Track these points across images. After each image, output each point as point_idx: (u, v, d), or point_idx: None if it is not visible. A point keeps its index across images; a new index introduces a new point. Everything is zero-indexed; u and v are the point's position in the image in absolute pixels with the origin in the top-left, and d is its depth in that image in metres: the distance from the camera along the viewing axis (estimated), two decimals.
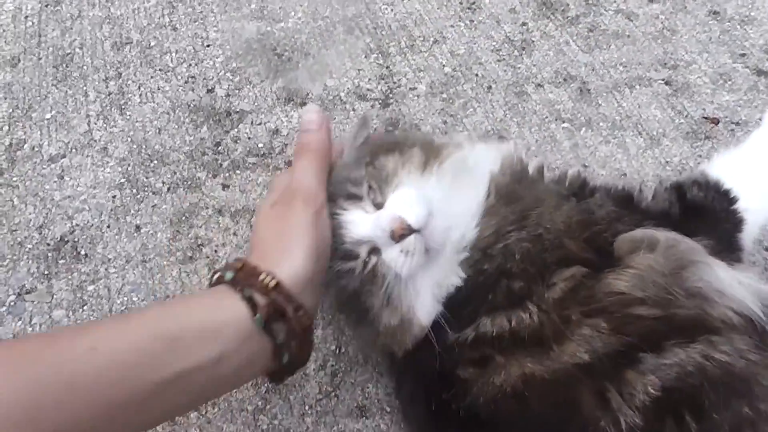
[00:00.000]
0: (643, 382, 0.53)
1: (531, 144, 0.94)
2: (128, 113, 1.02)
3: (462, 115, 0.98)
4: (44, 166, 0.96)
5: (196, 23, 1.13)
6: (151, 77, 1.06)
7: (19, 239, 0.89)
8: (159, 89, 1.05)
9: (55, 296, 0.83)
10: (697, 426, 0.52)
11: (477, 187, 0.66)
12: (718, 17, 1.06)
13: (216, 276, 0.56)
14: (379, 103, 1.01)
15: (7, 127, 1.01)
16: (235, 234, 0.88)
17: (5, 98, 1.04)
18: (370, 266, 0.62)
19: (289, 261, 0.55)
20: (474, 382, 0.59)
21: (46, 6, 1.17)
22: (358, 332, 0.70)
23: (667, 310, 0.57)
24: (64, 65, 1.09)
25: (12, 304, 0.83)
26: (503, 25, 1.09)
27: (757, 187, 0.69)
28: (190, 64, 1.08)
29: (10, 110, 1.03)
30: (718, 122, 0.93)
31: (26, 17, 1.15)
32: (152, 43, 1.11)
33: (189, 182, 0.93)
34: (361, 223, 0.62)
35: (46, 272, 0.85)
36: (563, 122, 0.96)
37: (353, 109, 1.00)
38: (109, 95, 1.04)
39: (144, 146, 0.98)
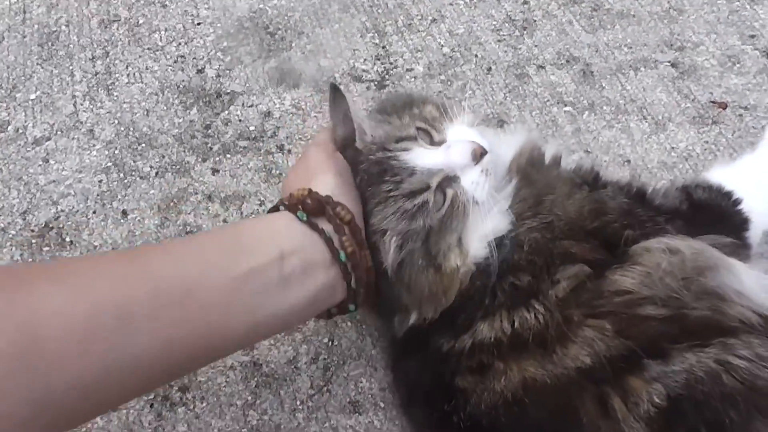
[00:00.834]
0: (648, 390, 0.51)
1: (532, 128, 0.90)
2: (115, 94, 0.98)
3: (460, 98, 0.94)
4: (29, 149, 0.93)
5: (186, 0, 1.09)
6: (140, 56, 1.03)
7: (2, 225, 0.86)
8: (147, 69, 1.01)
9: None
10: None
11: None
12: None
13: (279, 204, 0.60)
14: (375, 85, 0.97)
15: None
16: (225, 221, 0.85)
17: None
18: (449, 197, 0.60)
19: (315, 181, 0.59)
20: (473, 390, 0.57)
21: None
22: (414, 282, 0.62)
23: (676, 311, 0.55)
24: (50, 43, 1.05)
25: None
26: (504, 4, 1.05)
27: (759, 192, 0.69)
28: (180, 43, 1.04)
29: None
30: (726, 106, 0.90)
31: None
32: (141, 21, 1.07)
33: (178, 166, 0.90)
34: (428, 155, 0.62)
35: (30, 260, 0.82)
36: (565, 105, 0.92)
37: (348, 91, 0.96)
38: (95, 75, 1.01)
39: (131, 129, 0.94)
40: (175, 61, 1.02)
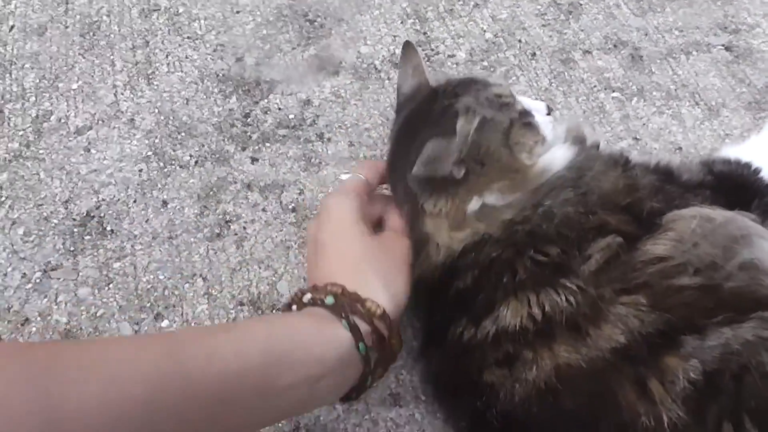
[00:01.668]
0: (684, 367, 0.48)
1: (579, 115, 0.87)
2: (155, 83, 0.98)
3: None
4: (71, 139, 0.94)
5: None
6: (179, 45, 1.03)
7: (45, 214, 0.86)
8: (187, 58, 1.01)
9: (80, 273, 0.81)
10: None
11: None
12: None
13: (308, 297, 0.57)
14: None
15: (33, 98, 0.98)
16: (264, 210, 0.84)
17: (32, 68, 1.02)
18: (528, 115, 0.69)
19: (390, 290, 0.57)
20: (502, 384, 0.55)
21: None
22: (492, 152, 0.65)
23: (712, 280, 0.53)
24: (91, 34, 1.06)
25: (38, 281, 0.80)
26: None
27: None
28: (219, 32, 1.04)
29: (37, 80, 1.00)
30: None
31: None
32: (180, 10, 1.07)
33: (217, 155, 0.90)
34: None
35: (71, 248, 0.83)
36: (613, 91, 0.89)
37: (388, 78, 0.95)
38: (136, 64, 1.01)
39: (171, 118, 0.94)
40: (215, 50, 1.01)
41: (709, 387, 0.48)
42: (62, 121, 0.96)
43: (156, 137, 0.92)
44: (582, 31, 0.96)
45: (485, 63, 0.94)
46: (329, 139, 0.90)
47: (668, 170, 0.67)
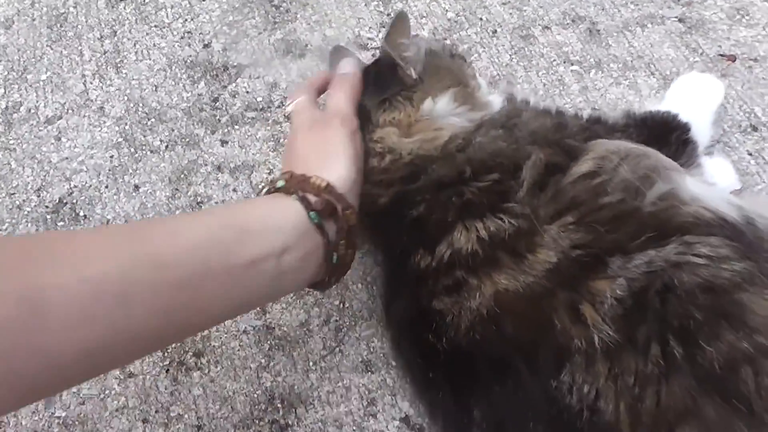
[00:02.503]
0: (611, 287, 0.51)
1: (539, 88, 0.90)
2: (124, 71, 0.99)
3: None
4: (41, 128, 0.95)
5: None
6: (147, 34, 1.04)
7: (17, 202, 0.87)
8: (155, 46, 1.02)
9: None
10: (684, 352, 0.48)
11: None
12: None
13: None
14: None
15: (2, 90, 0.99)
16: (235, 190, 0.86)
17: (0, 60, 1.02)
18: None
19: (333, 167, 0.60)
20: (449, 311, 0.56)
21: None
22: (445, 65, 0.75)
23: (633, 203, 0.55)
24: (59, 25, 1.06)
25: None
26: None
27: (683, 105, 0.76)
28: (186, 19, 1.05)
29: (5, 72, 1.01)
30: (735, 59, 0.88)
31: None
32: None
33: (187, 139, 0.91)
34: None
35: None
36: (572, 65, 0.92)
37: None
38: (104, 54, 1.02)
39: (141, 104, 0.95)
40: (182, 37, 1.02)
41: (636, 305, 0.50)
42: (32, 111, 0.97)
43: (126, 124, 0.94)
44: (541, 7, 0.99)
45: (448, 41, 0.96)
46: None
47: (595, 116, 0.71)
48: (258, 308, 0.75)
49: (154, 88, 0.97)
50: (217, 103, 0.94)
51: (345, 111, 0.67)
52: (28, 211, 0.87)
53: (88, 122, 0.94)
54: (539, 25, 0.97)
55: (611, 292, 0.50)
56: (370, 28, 1.00)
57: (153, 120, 0.94)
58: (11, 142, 0.93)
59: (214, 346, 0.74)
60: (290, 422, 0.69)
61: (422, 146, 0.66)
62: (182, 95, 0.96)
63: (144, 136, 0.92)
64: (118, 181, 0.88)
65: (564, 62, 0.92)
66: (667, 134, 0.71)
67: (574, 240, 0.54)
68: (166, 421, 0.70)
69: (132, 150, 0.91)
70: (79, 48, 1.03)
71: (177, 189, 0.87)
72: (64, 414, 0.71)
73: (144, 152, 0.90)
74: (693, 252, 0.51)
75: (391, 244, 0.66)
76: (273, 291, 0.59)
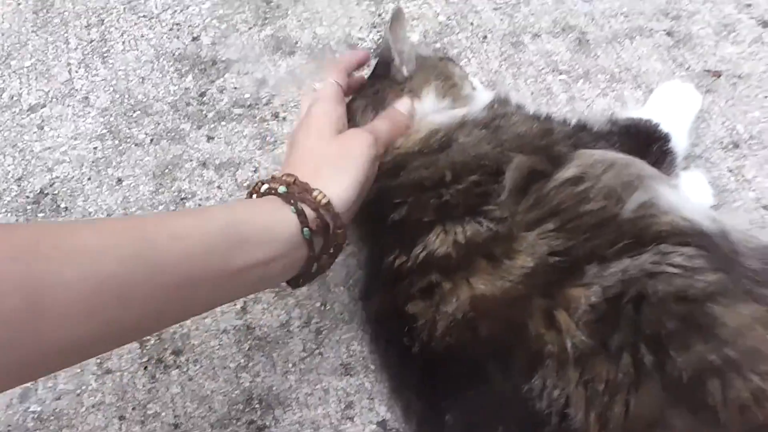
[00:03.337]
0: (586, 294, 0.51)
1: (527, 96, 0.90)
2: (110, 62, 0.98)
3: None
4: (23, 116, 0.93)
5: None
6: (135, 24, 1.03)
7: None
8: (142, 37, 1.01)
9: None
10: (654, 360, 0.48)
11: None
12: None
13: (265, 187, 0.61)
14: (371, 53, 0.97)
15: None
16: (219, 188, 0.85)
17: None
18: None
19: (341, 182, 0.61)
20: (422, 315, 0.57)
21: None
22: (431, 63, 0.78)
23: (613, 209, 0.56)
24: (44, 11, 1.05)
25: None
26: None
27: (663, 113, 0.78)
28: (175, 11, 1.04)
29: None
30: (720, 75, 0.90)
31: None
32: None
33: (173, 134, 0.90)
34: None
35: None
36: (560, 74, 0.92)
37: None
38: (90, 43, 1.01)
39: (127, 96, 0.95)
40: (171, 29, 1.02)
41: (610, 312, 0.50)
42: (14, 98, 0.95)
43: (111, 115, 0.93)
44: (532, 15, 0.99)
45: (438, 45, 0.96)
46: (284, 119, 0.91)
47: (581, 124, 0.72)
48: (239, 308, 0.75)
49: (140, 80, 0.96)
50: (205, 98, 0.94)
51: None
52: (8, 201, 0.86)
53: (72, 112, 0.93)
54: (529, 32, 0.97)
55: (585, 299, 0.51)
56: (361, 27, 1.00)
57: (138, 112, 0.93)
58: None
59: (193, 344, 0.74)
60: (268, 423, 0.69)
61: (403, 142, 0.67)
62: (169, 88, 0.95)
63: (129, 129, 0.91)
64: (101, 174, 0.87)
65: (552, 71, 0.93)
66: (648, 144, 0.72)
67: (552, 246, 0.55)
68: (142, 418, 0.70)
69: (116, 142, 0.90)
70: (65, 35, 1.02)
71: (161, 184, 0.86)
72: (39, 408, 0.70)
73: (128, 145, 0.90)
74: (668, 261, 0.52)
75: (371, 241, 0.67)
76: (251, 292, 0.63)
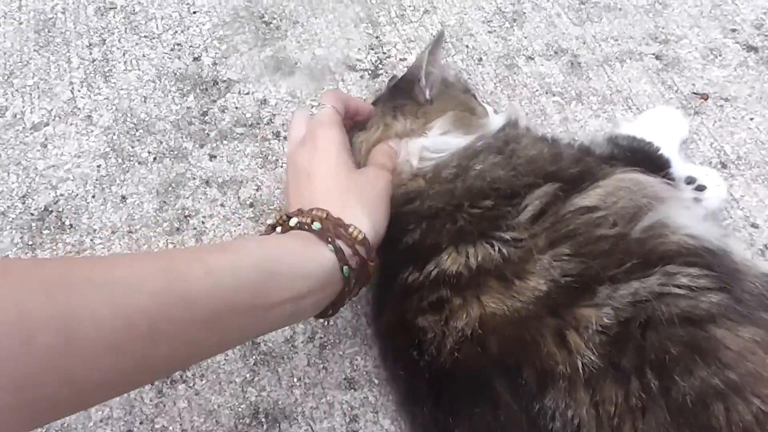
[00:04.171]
0: (597, 315, 0.53)
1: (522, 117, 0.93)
2: (113, 81, 1.00)
3: None
4: (27, 134, 0.95)
5: None
6: (136, 44, 1.04)
7: (1, 209, 0.87)
8: (144, 56, 1.03)
9: None
10: (659, 385, 0.50)
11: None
12: None
13: (295, 221, 0.61)
14: (369, 74, 0.99)
15: None
16: (222, 205, 0.87)
17: None
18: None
19: (372, 219, 0.62)
20: (431, 329, 0.58)
21: None
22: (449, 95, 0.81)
23: (624, 228, 0.58)
24: (46, 30, 1.06)
25: None
26: None
27: (665, 143, 0.80)
28: (176, 31, 1.06)
29: None
30: (708, 98, 0.93)
31: None
32: (137, 9, 1.09)
33: (175, 152, 0.92)
34: None
35: (30, 243, 0.84)
36: (553, 95, 0.95)
37: (342, 80, 0.99)
38: (93, 62, 1.02)
39: (129, 115, 0.96)
40: (172, 49, 1.03)
41: (620, 335, 0.52)
42: (18, 117, 0.97)
43: (114, 134, 0.94)
44: (525, 38, 1.02)
45: (463, 75, 0.99)
46: (285, 138, 0.93)
47: (585, 146, 0.75)
48: None
49: (143, 99, 0.98)
50: (206, 117, 0.95)
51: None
52: (13, 218, 0.87)
53: (75, 130, 0.95)
54: (523, 55, 1.00)
55: (597, 320, 0.53)
56: (359, 49, 1.02)
57: (141, 131, 0.94)
58: None
59: None
60: None
61: (421, 175, 0.70)
62: (171, 108, 0.97)
63: (132, 147, 0.93)
64: (105, 191, 0.89)
65: (546, 92, 0.96)
66: (654, 170, 0.72)
67: (565, 270, 0.56)
68: None
69: (119, 160, 0.91)
70: (67, 54, 1.03)
71: (165, 201, 0.87)
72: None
73: (132, 163, 0.91)
74: (674, 282, 0.54)
75: (384, 262, 0.68)
76: (281, 326, 0.62)
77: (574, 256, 0.57)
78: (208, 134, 0.94)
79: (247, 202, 0.87)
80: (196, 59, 1.02)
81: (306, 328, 0.77)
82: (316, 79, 0.99)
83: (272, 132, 0.94)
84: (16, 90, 0.99)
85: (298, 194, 0.66)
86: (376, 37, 1.03)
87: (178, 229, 0.85)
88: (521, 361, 0.54)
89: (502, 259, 0.59)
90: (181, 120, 0.95)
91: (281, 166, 0.90)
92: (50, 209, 0.87)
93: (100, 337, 0.43)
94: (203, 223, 0.86)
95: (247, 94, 0.98)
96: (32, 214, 0.87)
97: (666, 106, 0.92)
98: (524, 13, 1.05)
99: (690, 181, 0.79)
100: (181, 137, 0.94)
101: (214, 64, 1.01)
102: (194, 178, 0.90)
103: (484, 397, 0.55)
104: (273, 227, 0.62)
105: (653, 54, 0.99)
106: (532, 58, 1.00)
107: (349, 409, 0.72)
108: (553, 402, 0.52)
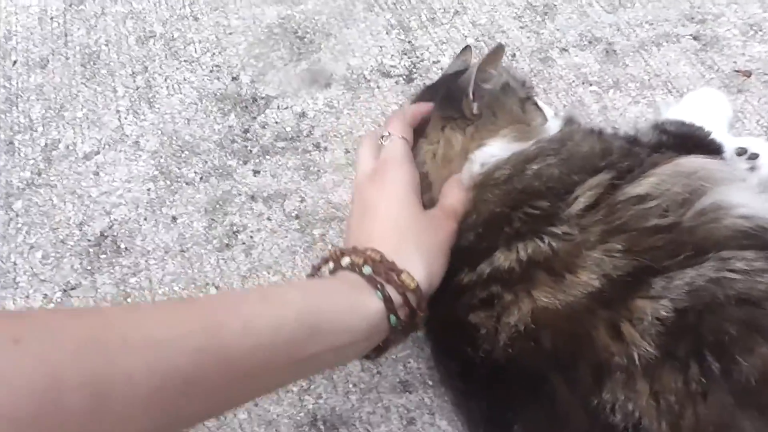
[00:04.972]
0: (654, 306, 0.52)
1: (559, 109, 0.92)
2: (157, 106, 1.03)
3: None
4: (79, 164, 0.98)
5: (217, 11, 1.14)
6: (177, 69, 1.08)
7: (60, 237, 0.91)
8: (185, 80, 1.06)
9: (99, 290, 0.85)
10: (720, 367, 0.49)
11: None
12: None
13: (347, 261, 0.58)
14: (404, 79, 1.00)
15: (41, 128, 1.03)
16: (269, 219, 0.89)
17: (38, 99, 1.07)
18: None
19: (428, 268, 0.59)
20: (484, 324, 0.58)
21: (70, 6, 1.18)
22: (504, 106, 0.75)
23: (676, 218, 0.57)
24: (92, 63, 1.10)
25: (59, 300, 0.85)
26: None
27: (707, 122, 0.78)
28: (214, 53, 1.09)
29: (43, 111, 1.05)
30: (751, 74, 0.91)
31: (51, 18, 1.17)
32: (175, 35, 1.12)
33: (220, 170, 0.95)
34: None
35: (89, 267, 0.88)
36: (590, 85, 0.95)
37: (377, 87, 1.00)
38: (137, 90, 1.06)
39: (174, 138, 0.99)
40: (211, 71, 1.06)
41: (678, 324, 0.51)
42: (70, 147, 1.00)
43: (161, 157, 0.97)
44: (558, 30, 1.02)
45: (528, 80, 0.99)
46: (325, 148, 0.95)
47: (632, 136, 0.73)
48: None
49: (186, 122, 1.01)
50: (248, 134, 0.98)
51: (400, 152, 0.67)
52: (71, 245, 0.90)
53: (124, 156, 0.98)
54: (557, 47, 1.00)
55: (653, 312, 0.52)
56: (392, 56, 1.03)
57: (187, 152, 0.97)
58: (52, 178, 0.97)
59: None
60: None
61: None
62: (214, 127, 0.99)
63: (179, 169, 0.96)
64: (156, 213, 0.92)
65: (583, 83, 0.95)
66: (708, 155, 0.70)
67: (618, 266, 0.55)
68: None
69: (168, 182, 0.94)
70: (113, 84, 1.07)
71: (213, 219, 0.90)
72: None
73: (180, 184, 0.94)
74: (729, 267, 0.53)
75: None
76: (321, 371, 0.62)
77: (626, 252, 0.56)
78: (251, 150, 0.96)
79: (293, 214, 0.89)
80: (234, 78, 1.05)
81: None
82: (352, 88, 1.00)
83: (312, 144, 0.96)
84: (67, 122, 1.03)
85: (359, 229, 0.64)
86: (409, 42, 1.04)
87: (227, 245, 0.87)
88: (575, 356, 0.54)
89: (551, 251, 0.58)
90: (224, 139, 0.98)
91: (323, 177, 0.92)
92: (106, 234, 0.91)
93: (134, 396, 0.42)
94: (251, 237, 0.88)
95: (286, 108, 1.00)
96: (89, 240, 0.90)
97: (707, 87, 0.90)
98: (555, 5, 1.05)
99: (741, 152, 0.77)
100: (225, 155, 0.96)
101: (252, 81, 1.04)
102: (240, 195, 0.92)
103: (541, 392, 0.55)
104: (325, 261, 0.60)
105: (690, 35, 0.97)
106: (566, 50, 0.99)
107: (406, 412, 0.72)
108: (611, 395, 0.51)
